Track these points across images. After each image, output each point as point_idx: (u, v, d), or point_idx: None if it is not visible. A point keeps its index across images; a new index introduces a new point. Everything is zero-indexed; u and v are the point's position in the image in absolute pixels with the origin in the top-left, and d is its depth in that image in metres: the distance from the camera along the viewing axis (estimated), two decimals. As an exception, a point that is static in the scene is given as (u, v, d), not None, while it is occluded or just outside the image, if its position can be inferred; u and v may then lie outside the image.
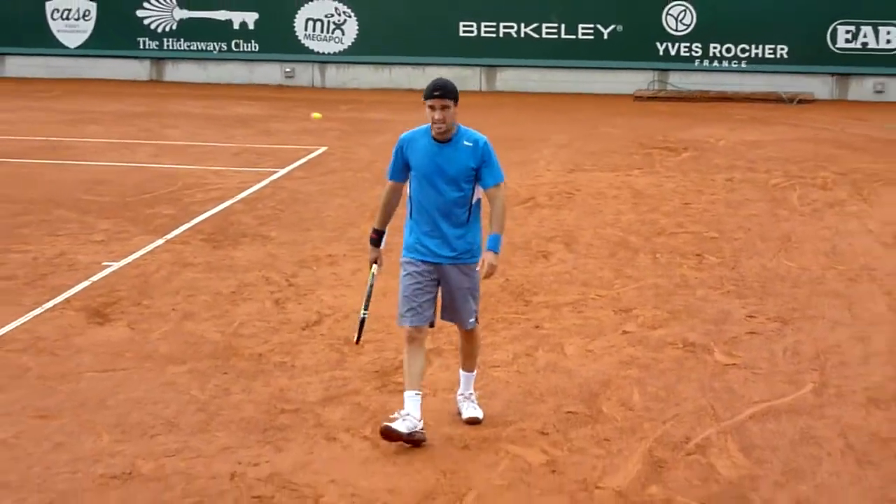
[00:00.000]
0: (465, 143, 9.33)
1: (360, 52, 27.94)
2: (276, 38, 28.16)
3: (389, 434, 9.30)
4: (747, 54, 26.58)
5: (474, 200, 9.48)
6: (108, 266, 14.25)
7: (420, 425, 9.45)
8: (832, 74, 26.47)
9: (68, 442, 9.69)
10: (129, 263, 14.41)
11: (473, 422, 9.86)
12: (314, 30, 28.10)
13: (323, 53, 28.14)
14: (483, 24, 27.29)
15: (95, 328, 12.31)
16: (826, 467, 9.31)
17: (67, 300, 13.10)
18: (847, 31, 26.12)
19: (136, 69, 28.80)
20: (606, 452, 9.53)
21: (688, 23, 26.68)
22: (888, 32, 25.76)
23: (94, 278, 13.81)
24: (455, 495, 8.81)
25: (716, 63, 26.72)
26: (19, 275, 13.93)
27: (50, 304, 12.95)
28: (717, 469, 9.27)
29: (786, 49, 26.41)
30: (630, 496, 8.84)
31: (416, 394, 9.51)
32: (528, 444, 9.65)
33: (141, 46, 28.57)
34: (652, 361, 11.42)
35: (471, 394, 10.06)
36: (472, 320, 9.82)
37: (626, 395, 10.63)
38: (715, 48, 26.65)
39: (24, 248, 14.94)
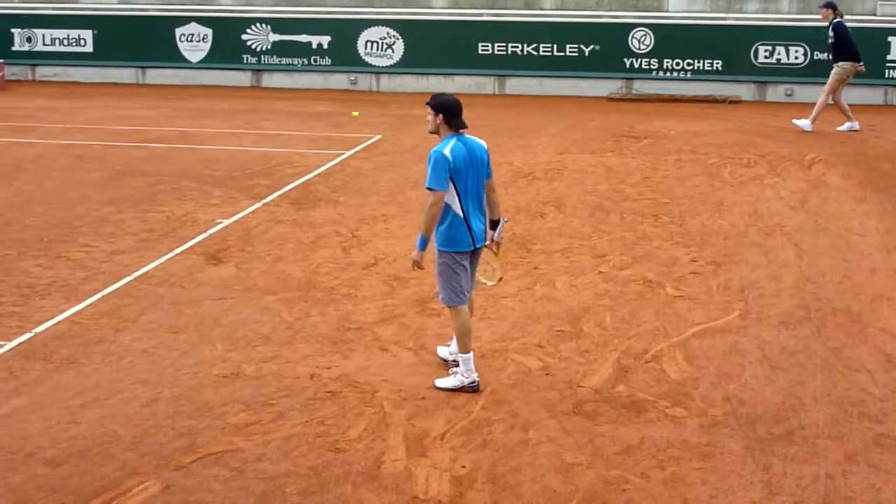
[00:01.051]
0: None
1: (405, 65, 27.81)
2: (344, 54, 28.04)
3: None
4: (691, 66, 26.37)
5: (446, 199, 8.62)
6: (221, 222, 14.25)
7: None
8: (754, 82, 26.27)
9: (192, 350, 9.73)
10: (236, 220, 14.41)
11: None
12: (372, 48, 27.94)
13: (378, 66, 28.01)
14: (496, 44, 27.12)
15: (212, 267, 12.33)
16: (748, 372, 9.29)
17: (191, 247, 13.12)
18: (765, 50, 25.88)
19: (241, 78, 28.71)
20: (586, 360, 9.53)
21: (647, 44, 26.46)
22: (796, 51, 25.54)
23: (211, 231, 13.82)
24: (475, 391, 8.83)
25: (668, 73, 26.52)
26: (156, 228, 13.95)
27: (179, 250, 12.97)
28: (668, 373, 9.25)
29: (720, 62, 26.20)
30: (603, 392, 8.85)
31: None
32: (528, 354, 9.65)
33: (244, 61, 28.45)
34: (620, 293, 11.39)
35: (454, 363, 9.06)
36: (440, 296, 8.92)
37: (601, 318, 10.61)
38: (667, 62, 26.44)
39: (160, 209, 14.95)
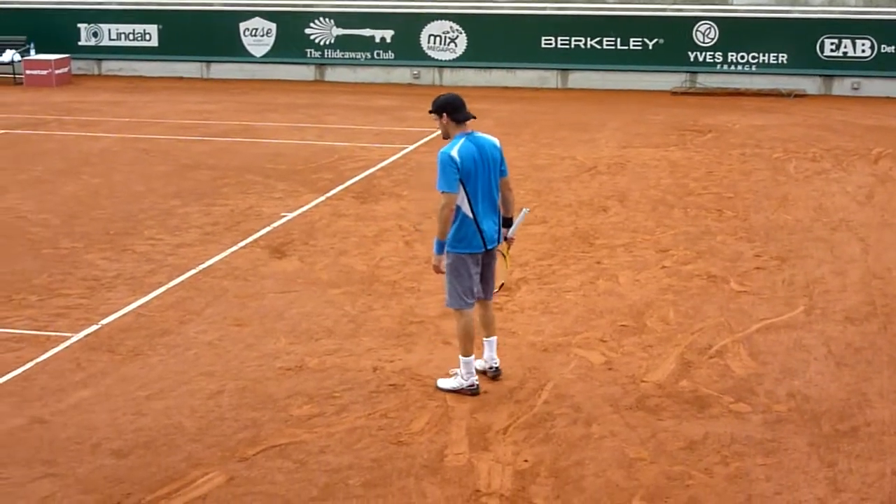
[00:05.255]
0: None
1: (468, 59, 27.80)
2: (407, 48, 28.10)
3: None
4: (756, 60, 26.13)
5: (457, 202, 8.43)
6: (285, 216, 14.35)
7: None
8: (820, 75, 25.99)
9: (256, 343, 9.81)
10: (299, 214, 14.50)
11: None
12: (435, 43, 27.98)
13: (441, 60, 28.03)
14: (559, 37, 27.05)
15: (275, 261, 12.42)
16: (813, 368, 9.22)
17: (255, 241, 13.22)
18: (832, 43, 25.60)
19: (304, 72, 28.85)
20: (649, 355, 9.50)
21: (712, 37, 26.26)
22: (862, 44, 25.24)
23: (275, 225, 13.92)
24: (538, 384, 8.84)
25: (732, 66, 26.30)
26: (221, 222, 14.07)
27: (243, 244, 13.08)
28: (732, 368, 9.20)
29: (785, 56, 25.94)
30: (666, 388, 8.81)
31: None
32: (591, 349, 9.64)
33: (308, 55, 28.60)
34: (683, 289, 11.34)
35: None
36: (445, 298, 8.81)
37: (664, 314, 10.57)
38: (732, 55, 26.23)
39: (225, 203, 15.08)
